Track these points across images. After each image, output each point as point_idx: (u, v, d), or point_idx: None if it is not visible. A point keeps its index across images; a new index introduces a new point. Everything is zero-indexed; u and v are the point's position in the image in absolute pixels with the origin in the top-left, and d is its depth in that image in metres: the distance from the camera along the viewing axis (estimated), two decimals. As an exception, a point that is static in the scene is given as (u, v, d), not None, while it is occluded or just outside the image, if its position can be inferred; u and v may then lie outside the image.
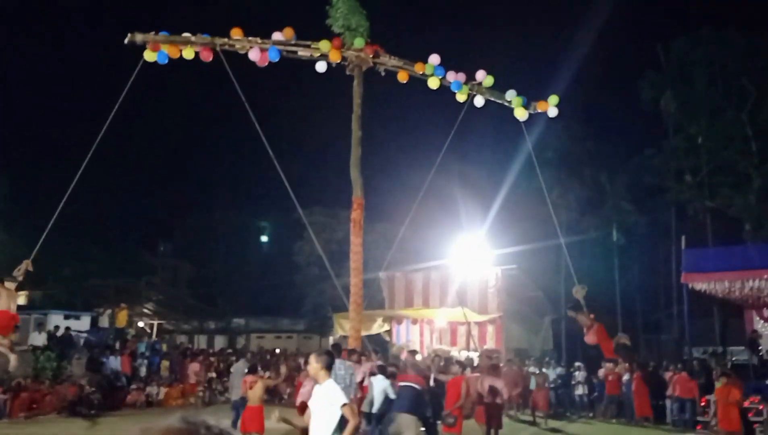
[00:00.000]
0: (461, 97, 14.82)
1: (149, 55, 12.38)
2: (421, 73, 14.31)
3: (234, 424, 11.65)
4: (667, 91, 31.54)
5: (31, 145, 42.22)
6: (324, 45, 13.53)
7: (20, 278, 9.90)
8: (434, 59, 14.21)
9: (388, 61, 14.11)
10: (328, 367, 6.25)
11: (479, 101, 14.93)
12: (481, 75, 14.68)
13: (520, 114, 15.08)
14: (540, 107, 15.36)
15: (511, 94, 14.99)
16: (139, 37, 12.34)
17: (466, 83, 14.60)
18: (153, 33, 12.48)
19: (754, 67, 29.74)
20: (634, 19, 46.48)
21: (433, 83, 14.44)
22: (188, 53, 12.51)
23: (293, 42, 13.46)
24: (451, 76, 14.50)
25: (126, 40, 12.35)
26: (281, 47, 13.33)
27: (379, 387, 10.98)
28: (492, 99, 14.95)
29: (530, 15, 56.13)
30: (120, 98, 11.86)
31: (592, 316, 12.36)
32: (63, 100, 50.61)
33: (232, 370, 13.47)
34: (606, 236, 33.36)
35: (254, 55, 12.99)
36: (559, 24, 53.34)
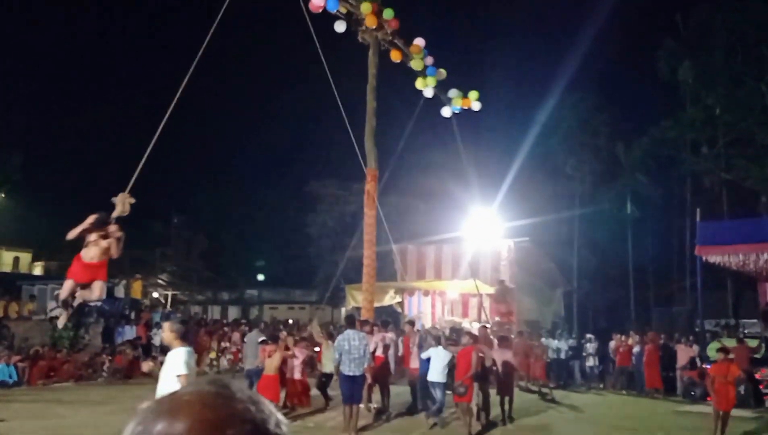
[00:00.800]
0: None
1: None
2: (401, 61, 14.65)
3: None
4: (685, 60, 31.00)
5: (43, 119, 42.40)
6: (365, 7, 13.33)
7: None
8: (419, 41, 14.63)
9: (387, 36, 13.98)
10: (182, 336, 6.50)
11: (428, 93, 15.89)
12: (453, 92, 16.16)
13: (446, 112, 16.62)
14: (463, 104, 16.60)
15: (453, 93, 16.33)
16: None
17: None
18: None
19: (775, 36, 29.13)
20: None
21: (419, 84, 15.51)
22: None
23: None
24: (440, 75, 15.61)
25: None
26: None
27: (444, 357, 11.52)
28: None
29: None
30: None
31: None
32: (76, 72, 50.67)
33: (245, 339, 13.55)
34: (620, 208, 33.16)
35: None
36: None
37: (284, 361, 11.78)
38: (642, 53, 35.59)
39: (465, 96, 16.61)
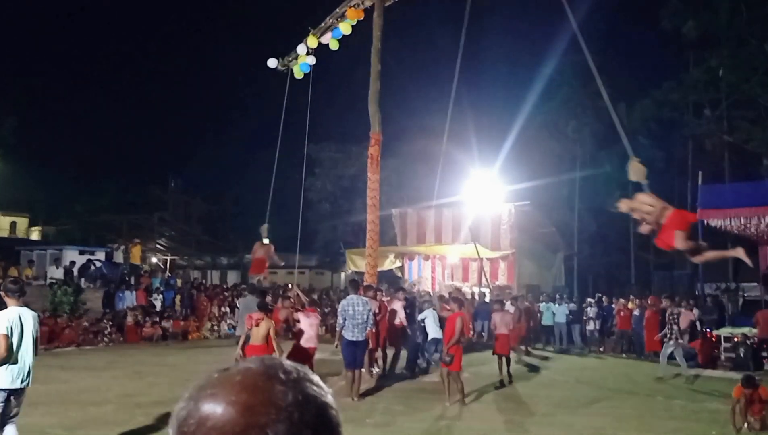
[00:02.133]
0: None
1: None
2: None
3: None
4: (689, 20, 30.45)
5: (37, 81, 41.84)
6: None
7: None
8: None
9: None
10: (16, 296, 6.43)
11: None
12: None
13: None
14: None
15: None
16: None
17: None
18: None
19: (781, -5, 28.55)
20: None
21: None
22: None
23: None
24: None
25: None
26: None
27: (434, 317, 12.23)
28: None
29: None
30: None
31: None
32: (70, 36, 49.83)
33: (239, 304, 13.36)
34: (621, 171, 32.90)
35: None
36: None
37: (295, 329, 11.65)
38: (645, 12, 35.00)
39: None
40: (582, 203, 33.92)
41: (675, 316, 14.54)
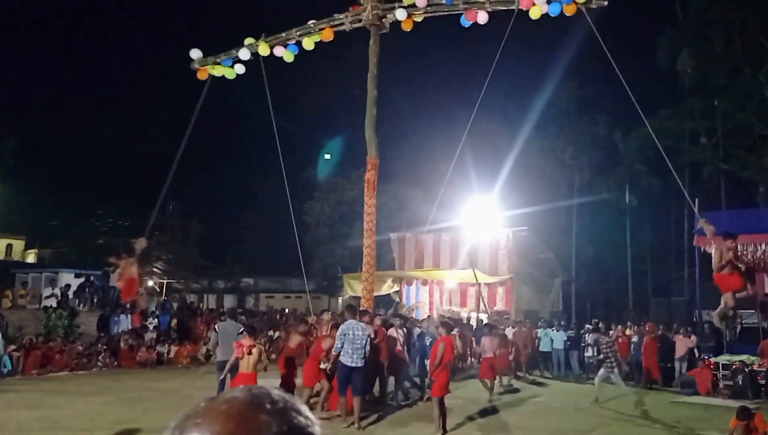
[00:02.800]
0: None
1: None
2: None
3: (221, 384, 11.33)
4: (684, 49, 30.83)
5: (37, 102, 42.02)
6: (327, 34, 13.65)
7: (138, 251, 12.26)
8: None
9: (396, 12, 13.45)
10: None
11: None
12: None
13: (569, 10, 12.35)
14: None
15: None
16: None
17: None
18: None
19: (773, 26, 28.95)
20: (652, -25, 45.18)
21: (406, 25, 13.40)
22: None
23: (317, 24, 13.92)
24: None
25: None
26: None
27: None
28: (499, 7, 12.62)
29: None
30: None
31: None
32: (72, 59, 50.18)
33: (217, 328, 12.72)
34: (618, 198, 33.07)
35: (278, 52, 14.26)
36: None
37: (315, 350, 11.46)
38: (641, 42, 35.41)
39: None
40: (579, 229, 33.98)
41: (611, 343, 14.81)
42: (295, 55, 14.29)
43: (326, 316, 13.67)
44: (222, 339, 12.09)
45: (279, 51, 14.17)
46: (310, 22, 13.94)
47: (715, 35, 30.14)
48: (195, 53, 14.89)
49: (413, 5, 13.12)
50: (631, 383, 17.85)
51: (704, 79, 30.77)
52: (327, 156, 38.70)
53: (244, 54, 14.33)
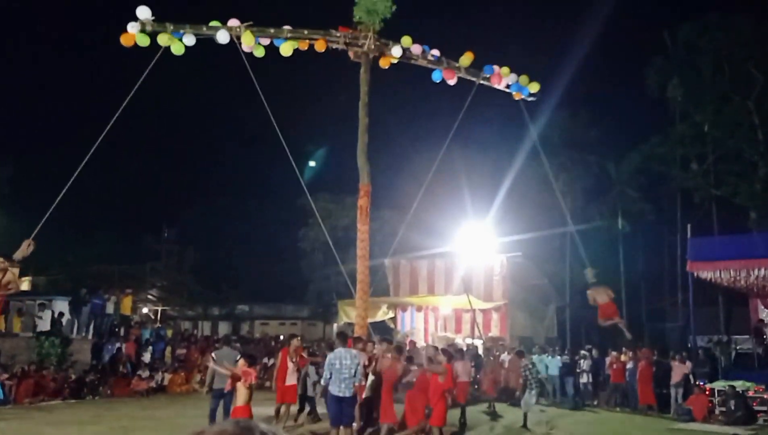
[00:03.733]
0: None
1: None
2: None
3: (213, 413, 11.39)
4: (673, 77, 31.28)
5: (34, 129, 42.17)
6: (320, 45, 13.44)
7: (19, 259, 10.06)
8: (400, 48, 13.61)
9: (368, 45, 13.61)
10: None
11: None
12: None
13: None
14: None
15: (487, 70, 14.71)
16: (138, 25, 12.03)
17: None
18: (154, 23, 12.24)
19: (761, 54, 29.42)
20: (641, 4, 46.09)
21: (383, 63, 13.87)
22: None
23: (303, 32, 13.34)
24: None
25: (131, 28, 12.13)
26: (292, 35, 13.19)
27: None
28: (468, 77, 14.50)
29: (537, 1, 55.75)
30: (128, 96, 11.71)
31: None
32: (67, 85, 50.49)
33: (214, 356, 12.52)
34: (611, 224, 33.24)
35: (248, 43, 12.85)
36: (566, 10, 52.94)
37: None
38: (631, 70, 35.94)
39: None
40: (573, 255, 34.06)
41: (529, 365, 15.18)
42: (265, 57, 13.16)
43: (295, 342, 13.60)
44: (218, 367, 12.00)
45: (249, 44, 12.67)
46: (305, 30, 13.33)
47: (703, 63, 30.62)
48: (143, 12, 12.04)
49: (408, 49, 13.57)
50: (626, 409, 17.86)
51: (694, 107, 31.16)
52: (312, 163, 38.73)
53: (223, 36, 12.39)
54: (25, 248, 9.93)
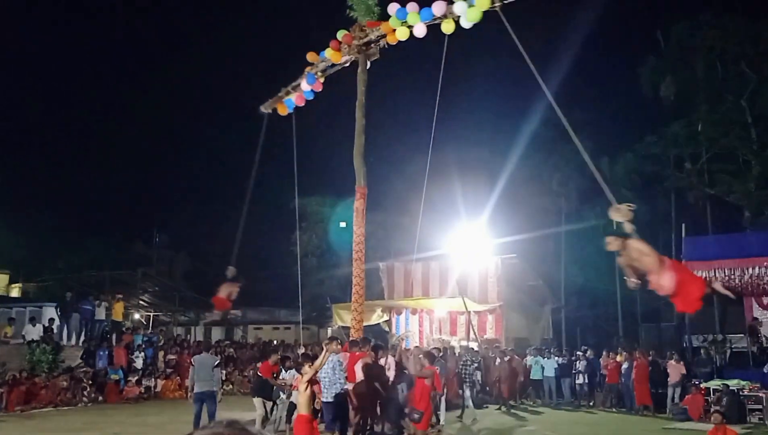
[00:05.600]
0: (446, 27, 12.25)
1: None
2: (392, 31, 12.89)
3: (197, 417, 11.52)
4: (667, 76, 31.31)
5: (21, 136, 41.87)
6: (331, 54, 13.66)
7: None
8: (393, 8, 12.58)
9: (372, 35, 13.47)
10: None
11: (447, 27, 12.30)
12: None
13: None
14: None
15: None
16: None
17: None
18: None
19: (754, 53, 29.50)
20: (634, 3, 46.17)
21: (402, 34, 12.77)
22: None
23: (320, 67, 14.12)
24: (413, 13, 12.42)
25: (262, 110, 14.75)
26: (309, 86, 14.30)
27: None
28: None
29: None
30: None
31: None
32: (56, 92, 50.14)
33: (193, 361, 12.60)
34: (606, 224, 33.17)
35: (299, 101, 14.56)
36: (558, 9, 53.00)
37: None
38: (624, 69, 35.98)
39: None
40: (568, 256, 34.04)
41: (468, 361, 15.81)
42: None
43: (274, 357, 13.60)
44: (198, 371, 12.05)
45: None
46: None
47: (696, 62, 30.67)
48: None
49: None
50: (622, 410, 17.78)
51: (687, 106, 31.20)
52: (342, 224, 38.38)
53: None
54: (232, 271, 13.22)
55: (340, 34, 13.46)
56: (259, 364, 12.29)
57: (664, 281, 6.94)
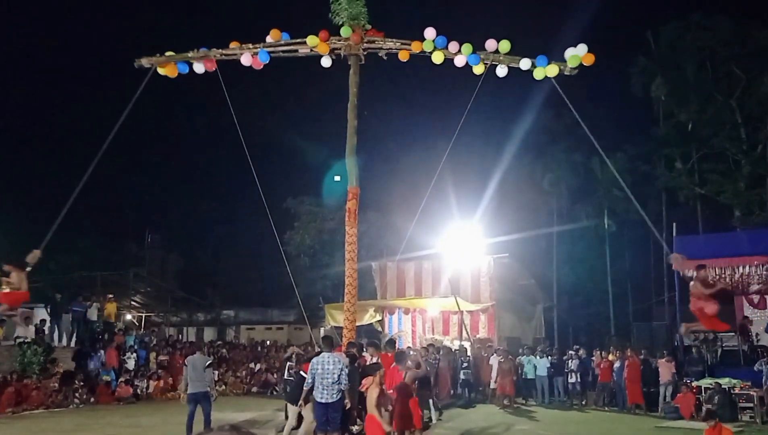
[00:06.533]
0: (478, 69, 13.08)
1: (164, 70, 13.47)
2: (420, 51, 13.22)
3: (190, 418, 11.52)
4: (657, 77, 31.48)
5: (10, 135, 41.55)
6: (312, 40, 13.32)
7: (31, 264, 10.83)
8: (430, 33, 13.05)
9: (385, 45, 13.62)
10: None
11: (502, 71, 13.14)
12: (491, 44, 13.07)
13: (546, 73, 13.22)
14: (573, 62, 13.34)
15: (525, 63, 13.07)
16: (145, 61, 13.43)
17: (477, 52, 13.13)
18: (158, 55, 13.44)
19: (743, 53, 29.71)
20: (624, 4, 46.37)
21: (437, 57, 13.14)
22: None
23: (283, 42, 13.54)
24: (454, 47, 13.07)
25: (135, 65, 13.45)
26: (272, 49, 13.49)
27: None
28: (513, 65, 13.10)
29: (521, 1, 55.96)
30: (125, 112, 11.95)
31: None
32: (43, 90, 49.80)
33: (187, 362, 12.55)
34: (597, 224, 33.37)
35: (246, 60, 13.52)
36: (548, 10, 53.20)
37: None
38: (615, 70, 36.08)
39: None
40: (560, 255, 34.17)
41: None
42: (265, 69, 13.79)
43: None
44: (190, 372, 12.01)
45: (245, 59, 13.51)
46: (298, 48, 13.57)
47: (686, 63, 30.85)
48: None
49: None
50: (614, 408, 17.86)
51: (678, 106, 31.38)
52: (337, 177, 38.08)
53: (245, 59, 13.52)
54: (34, 256, 10.73)
55: (346, 32, 13.38)
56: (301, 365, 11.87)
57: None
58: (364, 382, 9.83)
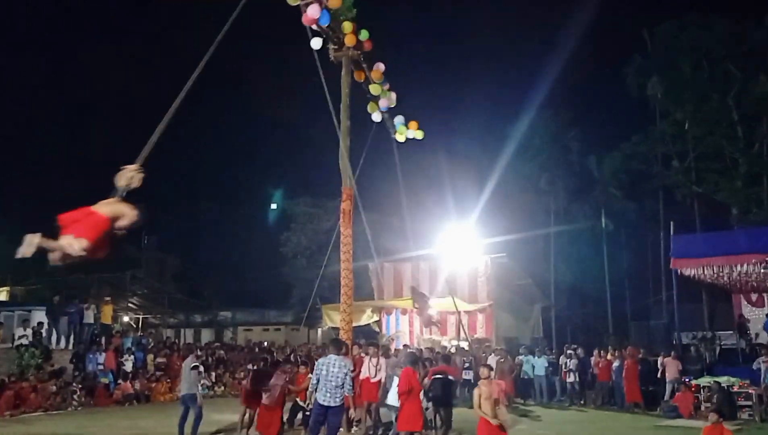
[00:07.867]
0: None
1: None
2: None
3: (182, 418, 11.78)
4: (653, 76, 31.51)
5: (7, 139, 41.46)
6: (347, 26, 13.17)
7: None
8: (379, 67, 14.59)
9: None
10: None
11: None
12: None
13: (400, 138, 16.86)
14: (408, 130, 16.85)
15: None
16: None
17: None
18: None
19: (739, 52, 29.77)
20: (620, 4, 46.47)
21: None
22: None
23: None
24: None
25: None
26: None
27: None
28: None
29: (518, 1, 56.01)
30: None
31: None
32: (40, 92, 49.67)
33: (183, 365, 12.74)
34: (594, 223, 33.39)
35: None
36: (546, 11, 53.24)
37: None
38: (611, 69, 36.16)
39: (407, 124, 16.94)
40: (557, 255, 34.18)
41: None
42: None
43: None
44: (185, 377, 12.27)
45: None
46: None
47: (682, 62, 30.89)
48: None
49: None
50: (613, 407, 17.86)
51: (674, 105, 31.42)
52: (273, 205, 38.64)
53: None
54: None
55: (348, 27, 13.29)
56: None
57: None
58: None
